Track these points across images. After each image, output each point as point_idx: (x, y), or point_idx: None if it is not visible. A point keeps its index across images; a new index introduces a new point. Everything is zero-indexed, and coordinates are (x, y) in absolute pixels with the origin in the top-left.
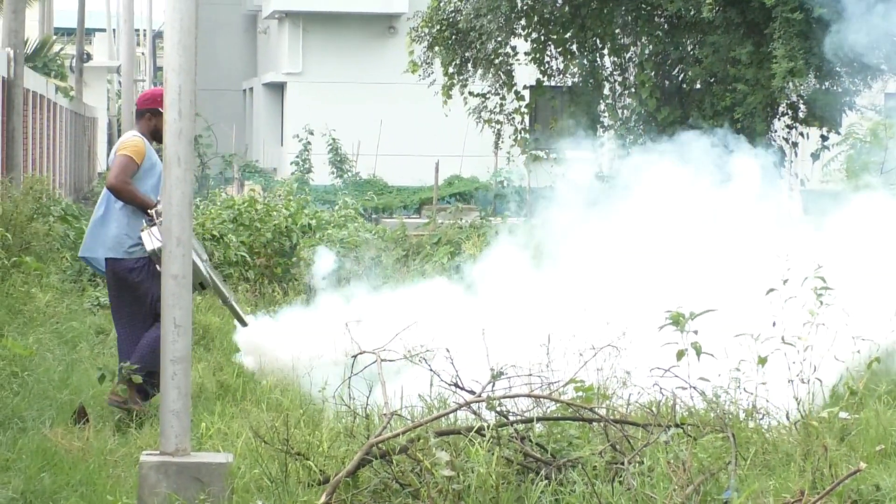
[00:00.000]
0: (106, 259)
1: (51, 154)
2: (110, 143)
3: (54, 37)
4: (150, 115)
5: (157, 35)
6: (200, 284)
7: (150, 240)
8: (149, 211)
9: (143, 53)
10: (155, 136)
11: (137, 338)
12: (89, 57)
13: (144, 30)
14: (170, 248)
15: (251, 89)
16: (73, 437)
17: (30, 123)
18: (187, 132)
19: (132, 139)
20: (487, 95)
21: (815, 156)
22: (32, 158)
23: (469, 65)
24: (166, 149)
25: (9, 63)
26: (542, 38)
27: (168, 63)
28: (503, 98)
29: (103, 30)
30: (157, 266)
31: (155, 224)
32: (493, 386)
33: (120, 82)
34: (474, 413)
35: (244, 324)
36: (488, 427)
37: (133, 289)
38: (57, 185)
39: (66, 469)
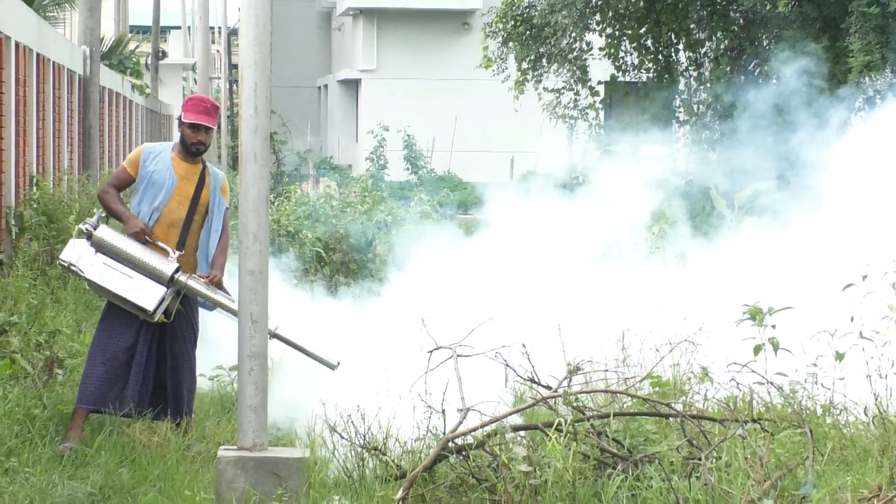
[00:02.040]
0: None
1: (127, 151)
2: None
3: (129, 34)
4: (181, 124)
5: (232, 32)
6: (136, 306)
7: (72, 250)
8: (127, 234)
9: (217, 51)
10: (185, 147)
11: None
12: (164, 54)
13: (219, 27)
14: (246, 244)
15: (326, 86)
16: (151, 432)
17: (106, 120)
18: (263, 129)
19: (139, 147)
20: (562, 91)
21: None
22: (108, 155)
23: (543, 60)
24: (242, 145)
25: (85, 61)
26: (617, 33)
27: (243, 60)
28: (577, 93)
29: (178, 27)
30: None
31: (89, 238)
32: (570, 381)
33: (195, 80)
34: (551, 408)
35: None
36: (565, 422)
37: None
38: None
39: (144, 464)
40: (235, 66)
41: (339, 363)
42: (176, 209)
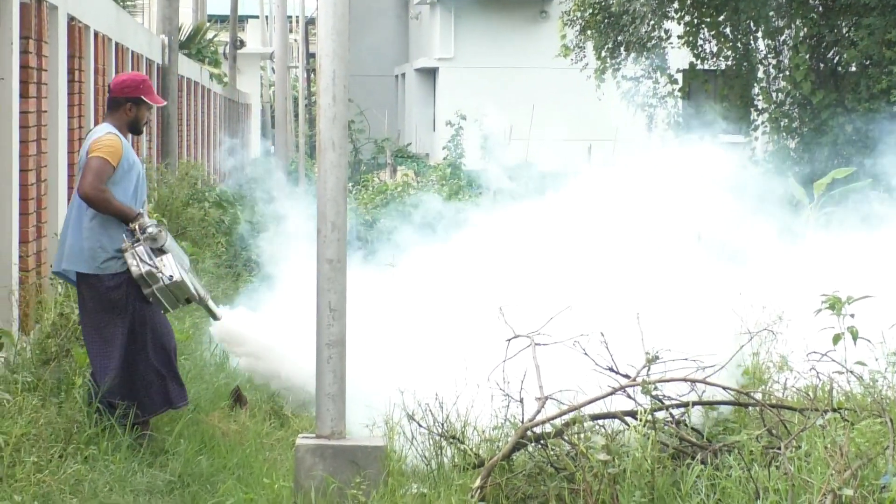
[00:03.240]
0: (77, 273)
1: (205, 140)
2: (263, 130)
3: (208, 24)
4: (130, 104)
5: (310, 21)
6: (187, 299)
7: (136, 262)
8: (130, 224)
9: (295, 40)
10: (133, 128)
11: (111, 359)
12: (242, 44)
13: (297, 16)
14: (325, 232)
15: (403, 75)
16: (230, 420)
17: (184, 110)
18: (341, 117)
19: (107, 137)
20: (640, 79)
21: None
22: (187, 145)
23: (622, 48)
24: (320, 134)
25: (163, 50)
26: (696, 20)
27: (321, 49)
28: (656, 82)
29: (256, 16)
30: (144, 290)
31: (140, 242)
32: (649, 370)
33: (272, 69)
34: (629, 397)
35: (216, 318)
36: (644, 411)
37: (112, 308)
38: (211, 171)
39: (223, 452)
40: (313, 56)
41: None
42: (145, 193)
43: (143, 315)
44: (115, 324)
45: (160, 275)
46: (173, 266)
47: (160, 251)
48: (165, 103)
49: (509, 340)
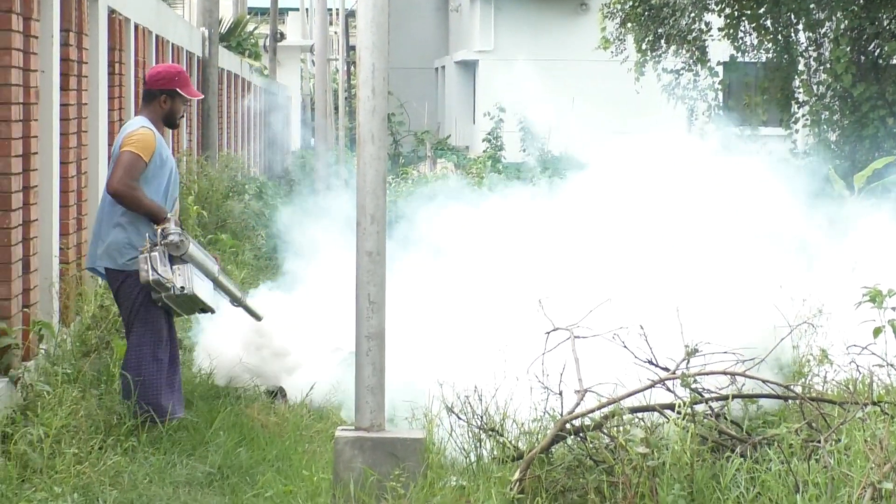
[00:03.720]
0: (105, 269)
1: (245, 133)
2: (303, 123)
3: (248, 16)
4: (165, 97)
5: (350, 14)
6: (202, 309)
7: (148, 268)
8: (156, 225)
9: (335, 32)
10: (168, 121)
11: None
12: (283, 36)
13: (337, 9)
14: (364, 224)
15: (443, 67)
16: (269, 412)
17: (224, 102)
18: (380, 110)
19: (140, 131)
20: (680, 72)
21: None
22: (227, 137)
23: (662, 41)
24: (359, 126)
25: (203, 43)
26: (736, 13)
27: (361, 41)
28: (696, 74)
29: (296, 9)
30: (153, 295)
31: (157, 246)
32: (688, 363)
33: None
34: (669, 390)
35: (258, 318)
36: (683, 404)
37: (132, 302)
38: (251, 164)
39: (262, 444)
40: (353, 48)
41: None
42: (177, 191)
43: (137, 317)
44: (157, 317)
45: (170, 284)
46: (188, 277)
47: (180, 259)
48: (202, 97)
49: (549, 333)
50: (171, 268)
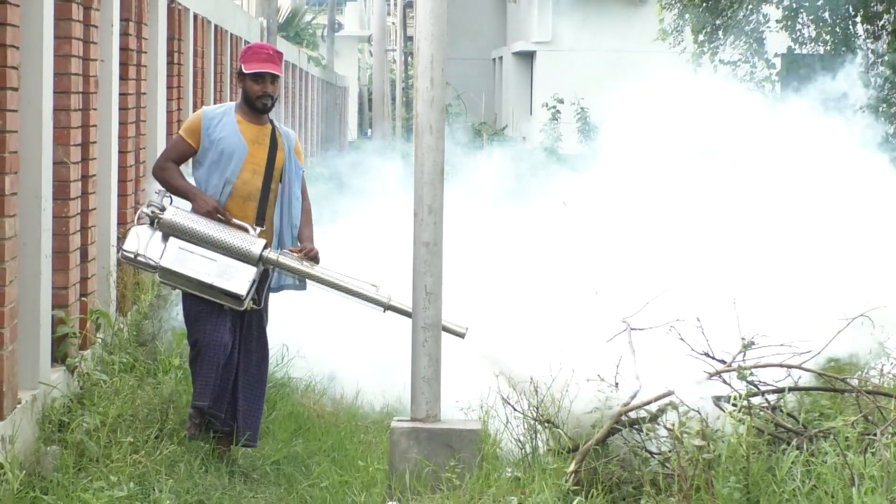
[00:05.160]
0: None
1: (303, 122)
2: (360, 113)
3: (306, 6)
4: (238, 78)
5: (408, 4)
6: (224, 293)
7: (135, 239)
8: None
9: (393, 23)
10: (250, 103)
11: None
12: (340, 26)
13: None
14: (421, 215)
15: (500, 58)
16: (325, 403)
17: (282, 92)
18: (438, 101)
19: (194, 114)
20: (738, 63)
21: None
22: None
23: (720, 32)
24: (417, 117)
25: (262, 32)
26: (794, 5)
27: (419, 32)
28: (754, 66)
29: None
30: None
31: (154, 223)
32: (744, 356)
33: (370, 51)
34: (725, 382)
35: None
36: (739, 397)
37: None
38: (308, 153)
39: (318, 435)
40: (411, 38)
41: (467, 330)
42: (250, 179)
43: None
44: (218, 317)
45: (145, 259)
46: (172, 251)
47: (175, 232)
48: (265, 70)
49: (605, 325)
50: (164, 239)
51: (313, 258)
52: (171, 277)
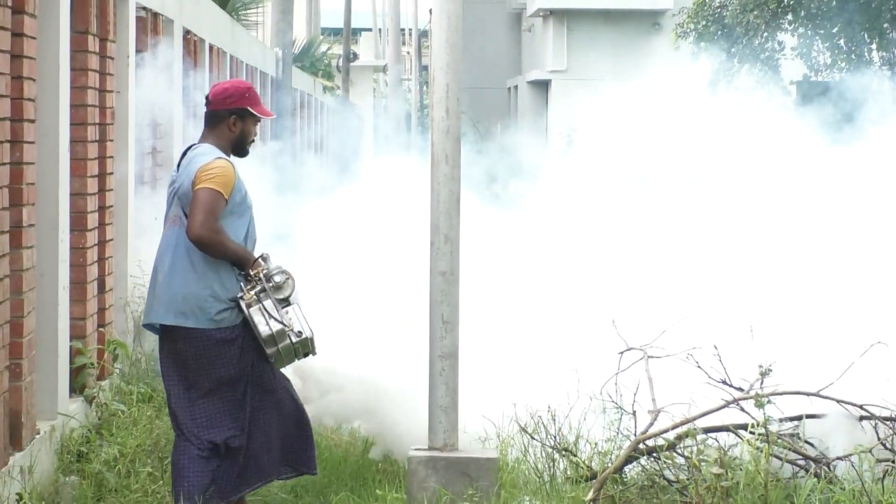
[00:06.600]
0: (176, 328)
1: (318, 152)
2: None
3: (321, 37)
4: (235, 118)
5: (423, 34)
6: (305, 353)
7: (266, 319)
8: (251, 272)
9: (408, 52)
10: (238, 147)
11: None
12: (356, 56)
13: (410, 29)
14: (437, 244)
15: (516, 87)
16: (341, 432)
17: (297, 122)
18: (454, 130)
19: (216, 163)
20: (753, 91)
21: None
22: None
23: (735, 60)
24: (433, 146)
25: (277, 63)
26: (809, 32)
27: (435, 61)
28: (769, 93)
29: (369, 29)
30: (268, 349)
31: (266, 293)
32: (762, 383)
33: (385, 81)
34: (742, 410)
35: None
36: (757, 424)
37: (221, 363)
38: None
39: (335, 463)
40: (426, 68)
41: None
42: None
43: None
44: (234, 384)
45: (289, 332)
46: (301, 320)
47: (285, 301)
48: (274, 115)
49: (622, 353)
50: (281, 312)
51: None
52: (301, 346)
